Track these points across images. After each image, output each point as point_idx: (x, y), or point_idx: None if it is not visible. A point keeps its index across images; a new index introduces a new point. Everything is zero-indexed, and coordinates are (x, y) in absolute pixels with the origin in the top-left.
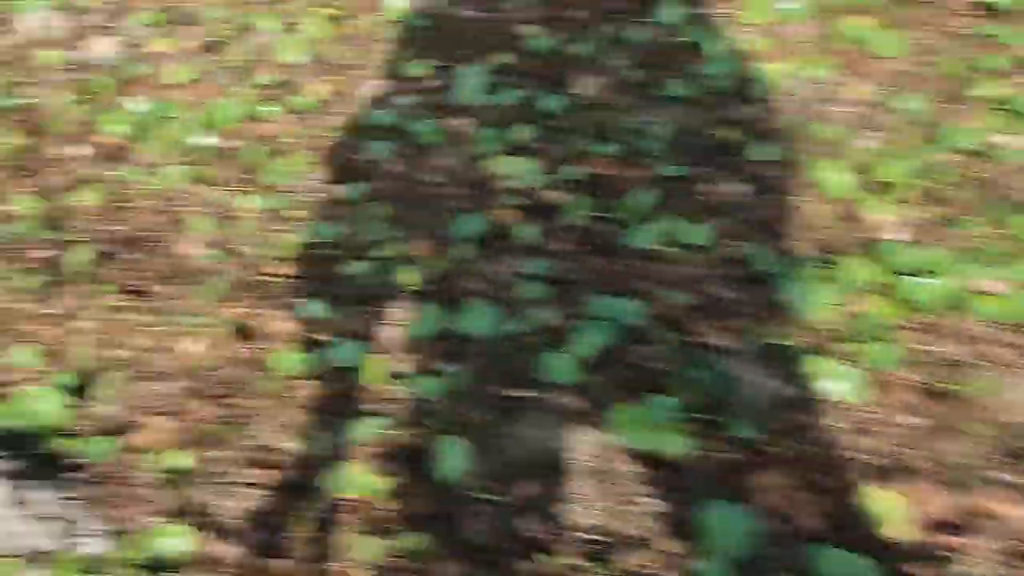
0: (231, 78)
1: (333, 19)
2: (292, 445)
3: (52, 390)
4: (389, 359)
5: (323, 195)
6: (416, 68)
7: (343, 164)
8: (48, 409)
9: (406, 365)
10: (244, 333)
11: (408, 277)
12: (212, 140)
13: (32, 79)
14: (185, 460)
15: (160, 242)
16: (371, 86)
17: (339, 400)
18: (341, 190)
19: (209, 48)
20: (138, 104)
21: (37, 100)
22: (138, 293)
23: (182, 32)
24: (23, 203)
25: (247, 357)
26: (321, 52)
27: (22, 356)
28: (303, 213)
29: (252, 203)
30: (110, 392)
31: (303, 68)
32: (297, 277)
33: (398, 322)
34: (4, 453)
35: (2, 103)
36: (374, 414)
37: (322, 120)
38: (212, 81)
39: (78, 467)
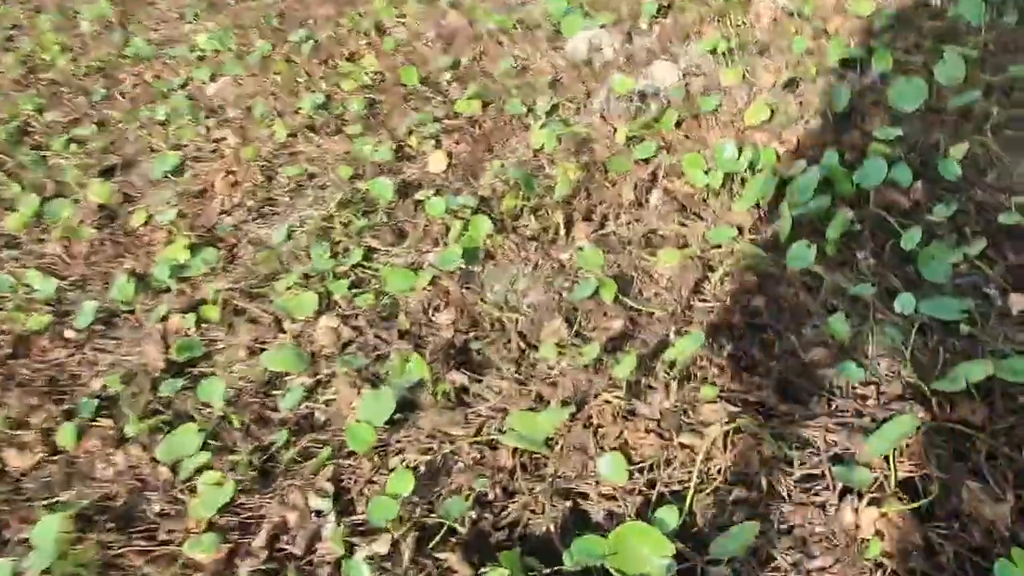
0: (825, 125)
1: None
2: None
3: None
4: None
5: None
6: None
7: None
8: None
9: None
10: None
11: None
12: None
13: (579, 103)
14: None
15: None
16: None
17: None
18: None
19: (789, 85)
20: (724, 147)
21: (589, 129)
22: None
23: (755, 63)
24: (586, 258)
25: None
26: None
27: None
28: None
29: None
30: None
31: (922, 117)
32: None
33: None
34: None
35: (559, 131)
36: None
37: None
38: (797, 126)
39: None
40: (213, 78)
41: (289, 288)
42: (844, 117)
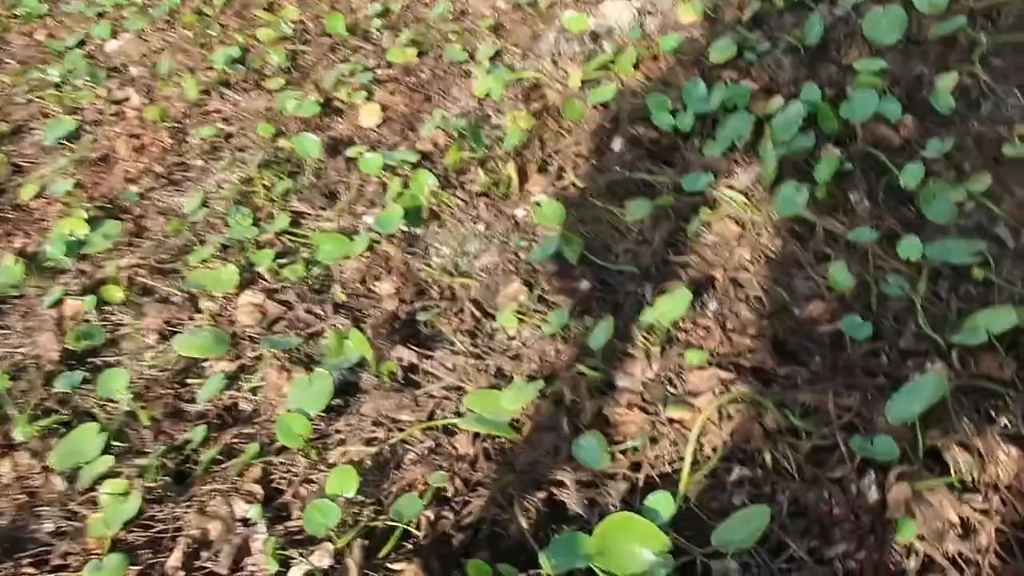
0: (798, 61)
1: None
2: None
3: None
4: None
5: None
6: None
7: None
8: None
9: None
10: None
11: None
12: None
13: (525, 47)
14: None
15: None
16: None
17: None
18: None
19: (756, 22)
20: (692, 87)
21: (539, 74)
22: None
23: None
24: (544, 213)
25: None
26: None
27: None
28: None
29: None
30: None
31: (903, 48)
32: None
33: None
34: None
35: (505, 76)
36: None
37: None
38: (768, 63)
39: None
40: (114, 35)
41: (205, 261)
42: (818, 51)
